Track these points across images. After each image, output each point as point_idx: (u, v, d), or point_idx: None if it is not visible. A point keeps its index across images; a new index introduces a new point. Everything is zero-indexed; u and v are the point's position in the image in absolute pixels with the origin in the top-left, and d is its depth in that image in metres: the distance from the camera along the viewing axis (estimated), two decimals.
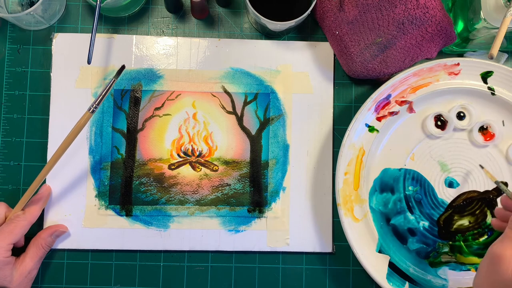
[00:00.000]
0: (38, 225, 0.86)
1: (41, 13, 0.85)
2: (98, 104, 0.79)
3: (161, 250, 0.88)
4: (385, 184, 0.89)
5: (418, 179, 0.89)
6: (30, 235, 0.85)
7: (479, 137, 0.88)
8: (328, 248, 0.89)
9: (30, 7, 0.82)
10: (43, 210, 0.86)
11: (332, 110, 0.91)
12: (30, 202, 0.84)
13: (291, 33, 0.92)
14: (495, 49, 0.74)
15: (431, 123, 0.88)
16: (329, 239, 0.89)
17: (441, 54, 0.91)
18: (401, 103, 0.86)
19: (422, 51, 0.85)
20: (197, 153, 0.89)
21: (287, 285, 0.89)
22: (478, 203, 0.89)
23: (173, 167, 0.89)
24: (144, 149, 0.88)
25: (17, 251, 0.83)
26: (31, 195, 0.82)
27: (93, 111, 0.79)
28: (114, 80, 0.81)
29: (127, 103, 0.89)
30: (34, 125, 0.89)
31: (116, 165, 0.88)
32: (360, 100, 0.91)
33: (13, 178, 0.88)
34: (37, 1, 0.82)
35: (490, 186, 0.89)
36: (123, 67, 0.83)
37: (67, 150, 0.80)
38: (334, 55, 0.91)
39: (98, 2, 0.81)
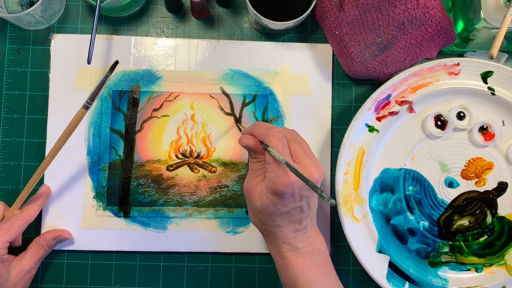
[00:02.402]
0: (36, 226, 0.87)
1: (41, 13, 0.85)
2: (92, 100, 0.79)
3: (159, 252, 0.89)
4: (385, 184, 0.89)
5: (418, 179, 0.89)
6: (28, 235, 0.85)
7: (479, 137, 0.88)
8: None
9: (30, 7, 0.82)
10: (41, 210, 0.86)
11: (331, 112, 0.91)
12: (29, 201, 0.84)
13: (291, 33, 0.92)
14: (495, 49, 0.73)
15: (431, 123, 0.88)
16: (327, 239, 0.89)
17: (441, 54, 0.91)
18: (401, 103, 0.86)
19: (422, 51, 0.85)
20: (195, 154, 0.89)
21: None
22: (478, 203, 0.89)
23: (171, 168, 0.89)
24: (142, 150, 0.88)
25: (17, 252, 0.83)
26: (28, 194, 0.82)
27: (87, 107, 0.79)
28: (108, 76, 0.80)
29: (125, 104, 0.89)
30: (34, 125, 0.89)
31: (114, 166, 0.88)
32: (360, 100, 0.91)
33: (13, 178, 0.88)
34: (37, 1, 0.82)
35: (490, 186, 0.89)
36: (116, 62, 0.82)
37: (65, 151, 0.81)
38: (333, 56, 0.91)
39: (98, 2, 0.81)
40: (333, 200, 0.64)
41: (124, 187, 0.88)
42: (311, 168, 0.70)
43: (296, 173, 0.67)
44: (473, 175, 0.89)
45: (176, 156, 0.89)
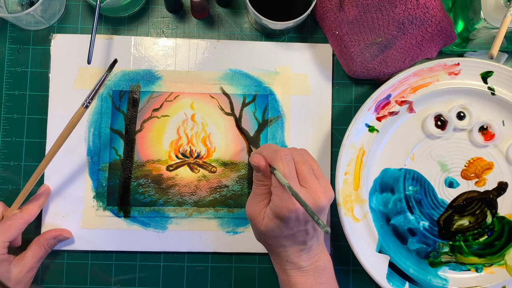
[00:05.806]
0: (36, 226, 0.87)
1: (41, 13, 0.85)
2: (91, 99, 0.79)
3: (159, 252, 0.89)
4: (385, 184, 0.89)
5: (418, 179, 0.89)
6: (28, 235, 0.85)
7: (479, 137, 0.88)
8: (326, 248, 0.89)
9: (30, 7, 0.82)
10: (41, 210, 0.86)
11: (331, 112, 0.91)
12: (28, 201, 0.84)
13: (291, 33, 0.92)
14: (495, 49, 0.73)
15: (431, 123, 0.88)
16: (327, 240, 0.89)
17: (441, 54, 0.91)
18: (401, 103, 0.86)
19: (422, 51, 0.85)
20: (195, 154, 0.89)
21: None
22: (478, 203, 0.89)
23: (171, 168, 0.88)
24: (142, 150, 0.88)
25: (17, 252, 0.83)
26: (27, 193, 0.82)
27: (86, 106, 0.79)
28: (107, 74, 0.81)
29: (125, 104, 0.89)
30: (34, 125, 0.89)
31: (114, 166, 0.88)
32: (360, 100, 0.91)
33: (13, 178, 0.88)
34: (37, 1, 0.82)
35: (490, 186, 0.89)
36: (115, 61, 0.83)
37: (65, 151, 0.81)
38: (333, 56, 0.91)
39: (98, 2, 0.81)
40: (328, 228, 0.63)
41: (124, 187, 0.88)
42: (319, 193, 0.69)
43: (297, 197, 0.66)
44: (473, 175, 0.89)
45: (176, 156, 0.89)
